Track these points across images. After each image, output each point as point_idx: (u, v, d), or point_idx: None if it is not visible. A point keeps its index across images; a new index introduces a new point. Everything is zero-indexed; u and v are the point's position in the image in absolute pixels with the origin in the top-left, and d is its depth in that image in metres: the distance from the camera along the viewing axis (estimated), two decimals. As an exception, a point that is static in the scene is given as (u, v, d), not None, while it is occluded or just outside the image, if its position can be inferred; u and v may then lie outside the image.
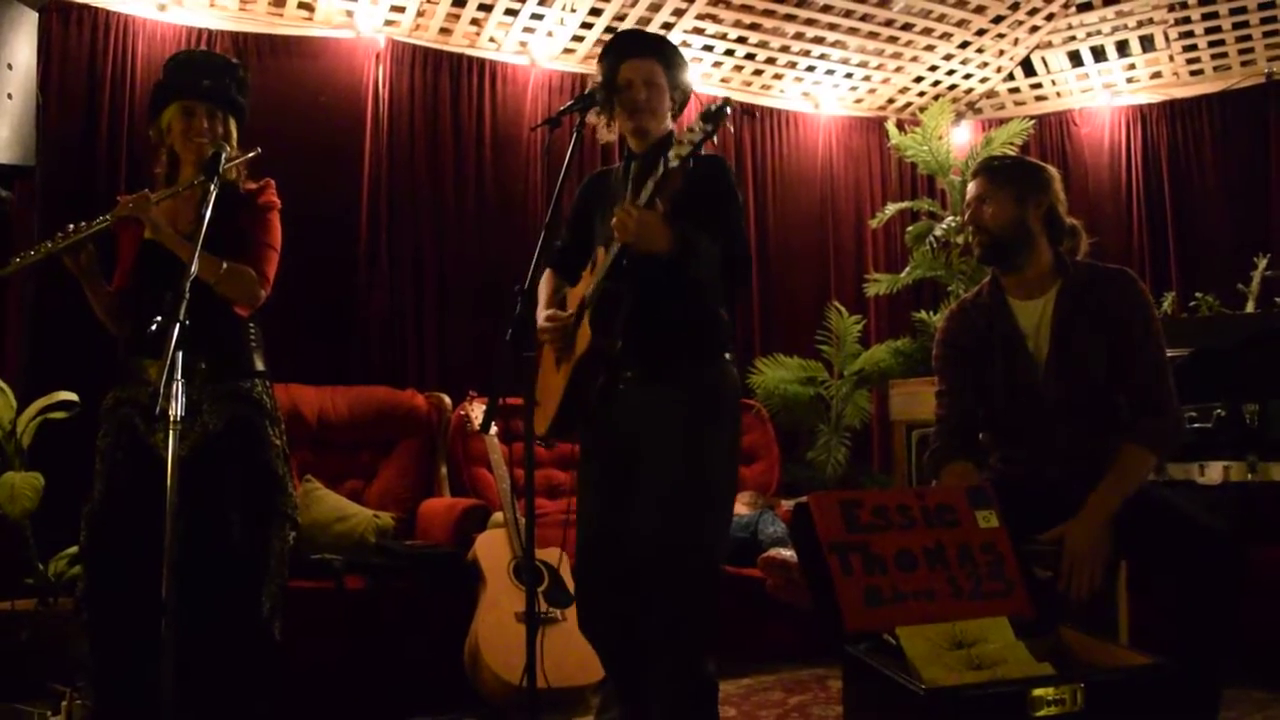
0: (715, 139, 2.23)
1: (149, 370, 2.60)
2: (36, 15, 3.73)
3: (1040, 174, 2.68)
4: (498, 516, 3.79)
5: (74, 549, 3.48)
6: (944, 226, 5.44)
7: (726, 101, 2.21)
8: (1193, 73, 5.95)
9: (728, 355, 2.57)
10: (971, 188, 2.70)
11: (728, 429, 2.55)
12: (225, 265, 2.60)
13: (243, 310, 2.70)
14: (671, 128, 2.66)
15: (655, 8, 5.04)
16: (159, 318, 2.45)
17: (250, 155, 2.76)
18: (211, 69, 2.79)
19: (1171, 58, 5.84)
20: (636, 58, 2.60)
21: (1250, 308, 4.62)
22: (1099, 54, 5.89)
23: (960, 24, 5.48)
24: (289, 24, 4.80)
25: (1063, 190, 2.69)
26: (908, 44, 5.62)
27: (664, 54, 2.64)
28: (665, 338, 2.49)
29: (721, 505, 2.55)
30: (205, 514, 2.50)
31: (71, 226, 2.59)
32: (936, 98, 6.08)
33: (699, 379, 2.51)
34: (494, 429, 3.78)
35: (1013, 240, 2.61)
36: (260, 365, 2.76)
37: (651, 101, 2.58)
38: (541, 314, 2.61)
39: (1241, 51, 5.69)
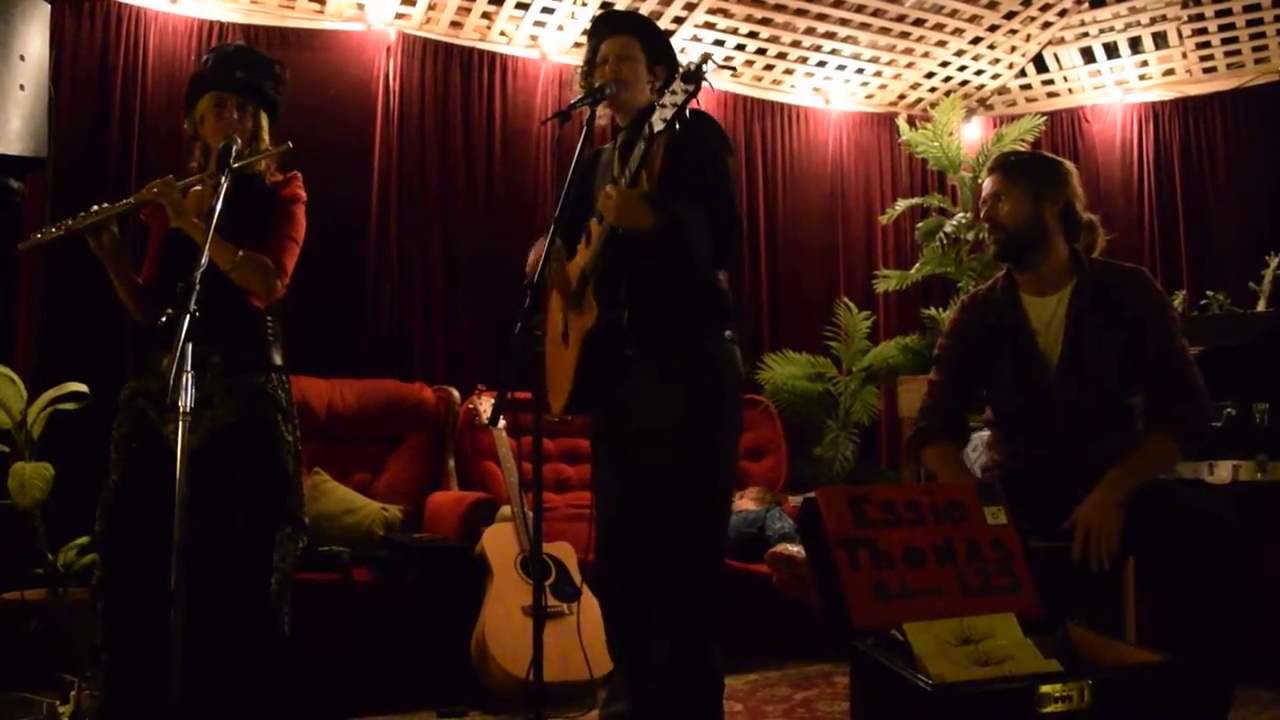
0: (698, 100, 2.23)
1: (163, 361, 2.60)
2: (49, 7, 3.74)
3: (1057, 170, 2.66)
4: (505, 510, 3.79)
5: (84, 539, 3.51)
6: (954, 223, 5.42)
7: (706, 58, 2.23)
8: (1206, 70, 5.91)
9: (728, 333, 2.56)
10: (987, 184, 2.69)
11: (729, 415, 2.55)
12: (241, 253, 2.59)
13: (259, 301, 2.70)
14: (652, 99, 2.67)
15: (666, 2, 5.04)
16: (169, 309, 2.46)
17: (280, 149, 2.76)
18: (247, 63, 2.79)
19: (1185, 55, 5.81)
20: (613, 35, 2.64)
21: (1261, 306, 4.61)
22: (1112, 50, 5.86)
23: (972, 19, 5.46)
24: (300, 17, 4.81)
25: (1080, 186, 2.67)
26: (919, 39, 5.61)
27: (641, 30, 2.68)
28: (665, 311, 2.48)
29: (724, 493, 2.57)
30: (213, 507, 2.51)
31: (95, 207, 2.60)
32: (948, 94, 6.06)
33: (700, 360, 2.50)
34: (502, 422, 3.78)
35: (1028, 238, 2.60)
36: (278, 360, 2.75)
37: (623, 73, 2.59)
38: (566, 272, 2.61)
39: (1255, 49, 5.67)
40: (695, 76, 2.21)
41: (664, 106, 2.24)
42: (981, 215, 2.72)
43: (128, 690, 2.51)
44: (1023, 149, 5.26)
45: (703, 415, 2.48)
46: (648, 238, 2.38)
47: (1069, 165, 2.69)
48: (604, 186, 2.63)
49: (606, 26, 2.69)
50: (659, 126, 2.25)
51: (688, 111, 2.37)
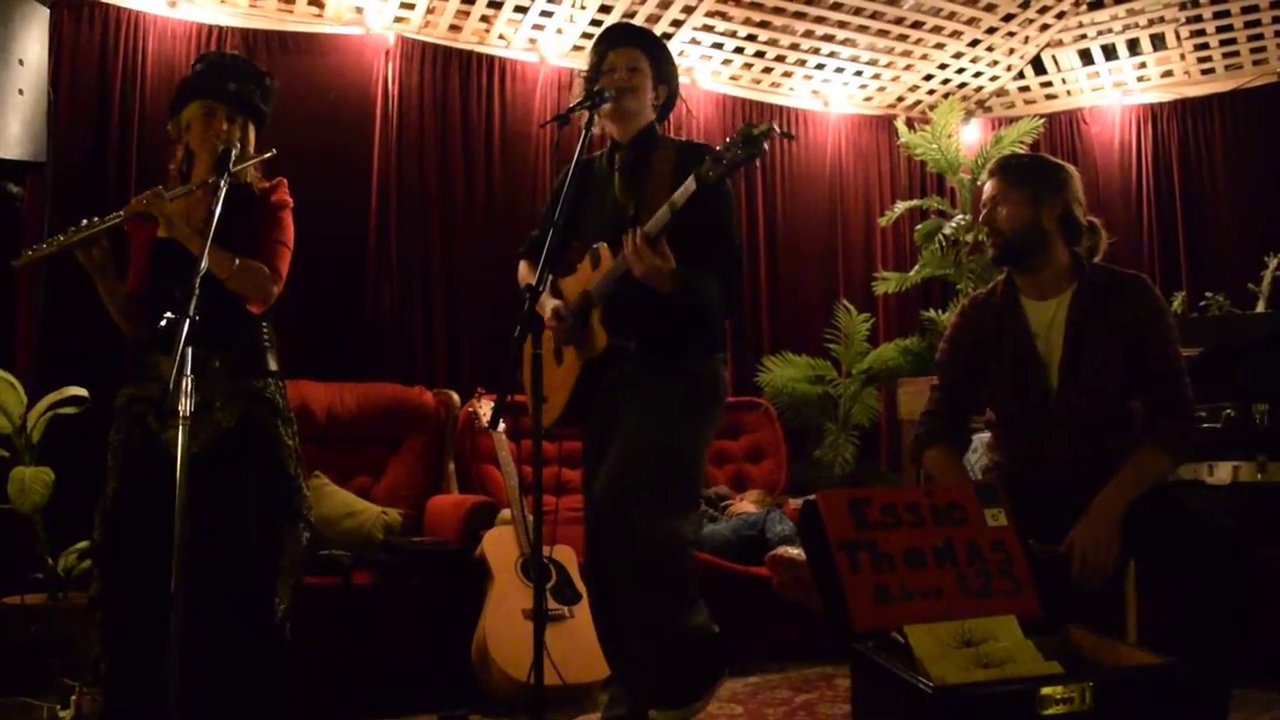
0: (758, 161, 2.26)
1: (161, 367, 2.59)
2: (48, 12, 3.75)
3: (1058, 174, 2.65)
4: (505, 513, 3.79)
5: (84, 544, 3.50)
6: (953, 225, 5.42)
7: (771, 127, 2.22)
8: (1204, 71, 5.92)
9: (720, 356, 2.65)
10: (987, 187, 2.68)
11: (705, 420, 2.62)
12: (238, 261, 2.60)
13: (255, 307, 2.70)
14: (653, 118, 2.69)
15: (665, 4, 5.04)
16: (168, 313, 2.47)
17: (265, 156, 2.77)
18: (239, 73, 2.80)
19: (1183, 56, 5.81)
20: (622, 47, 2.68)
21: (1261, 307, 4.61)
22: (1110, 52, 5.86)
23: (970, 22, 5.47)
24: (299, 21, 4.81)
25: (1081, 189, 2.67)
26: (918, 42, 5.61)
27: (649, 45, 2.71)
28: (672, 340, 2.52)
29: (685, 482, 2.58)
30: (217, 512, 2.51)
31: (85, 221, 2.60)
32: (946, 96, 6.07)
33: (692, 373, 2.58)
34: (502, 426, 3.78)
35: (1026, 243, 2.60)
36: (274, 365, 2.76)
37: (633, 83, 2.62)
38: (548, 307, 2.63)
39: (1253, 50, 5.67)
40: (757, 142, 2.21)
41: (719, 162, 2.24)
42: (980, 218, 2.71)
43: (128, 698, 2.50)
44: (1022, 151, 5.27)
45: (676, 405, 2.55)
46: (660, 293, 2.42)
47: (1070, 169, 2.68)
48: (600, 203, 2.67)
49: (617, 38, 2.72)
50: (709, 178, 2.26)
51: (695, 145, 2.41)
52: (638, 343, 2.52)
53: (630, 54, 2.65)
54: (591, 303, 2.55)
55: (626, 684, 2.67)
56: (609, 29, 2.79)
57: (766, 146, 2.24)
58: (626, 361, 2.55)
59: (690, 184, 2.30)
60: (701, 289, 2.45)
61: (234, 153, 2.51)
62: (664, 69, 2.71)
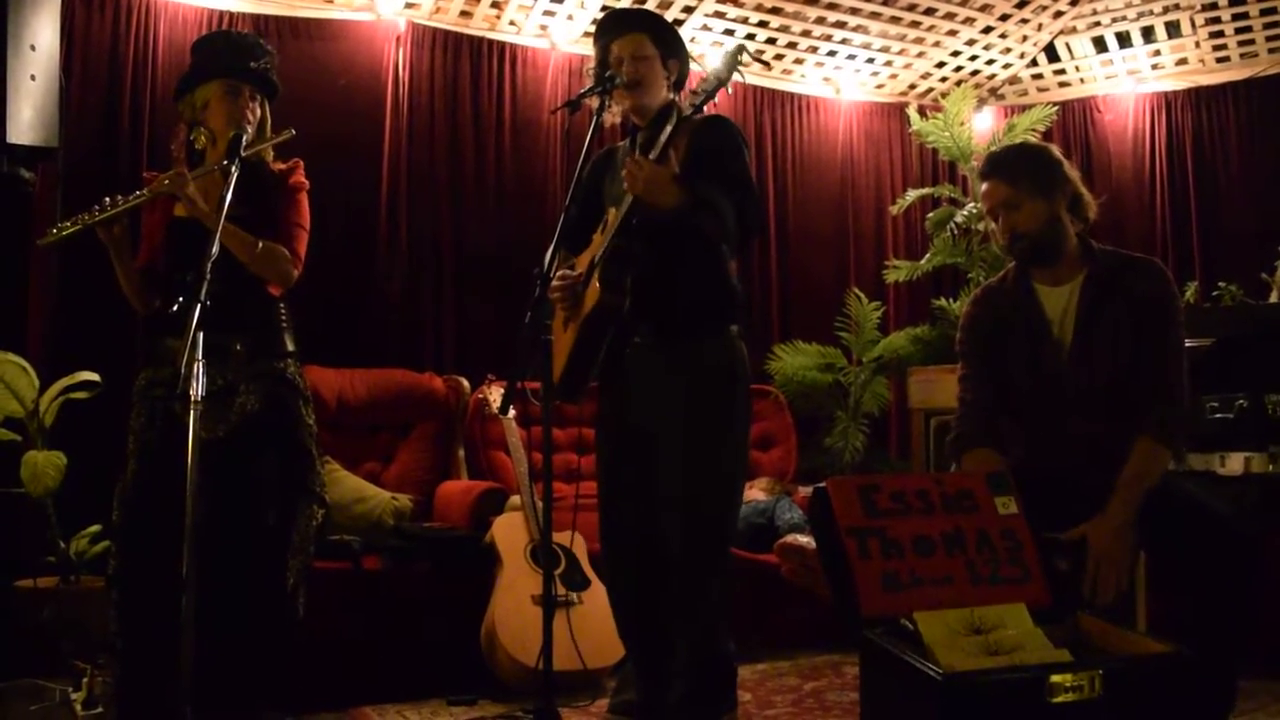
0: (728, 88, 2.32)
1: (176, 350, 2.62)
2: (59, -3, 3.75)
3: (1048, 158, 2.63)
4: (515, 500, 3.80)
5: (96, 528, 3.52)
6: (965, 213, 5.40)
7: (741, 48, 2.27)
8: (1219, 60, 5.87)
9: (734, 329, 2.57)
10: (988, 191, 2.63)
11: (738, 409, 2.57)
12: (260, 245, 2.62)
13: (275, 290, 2.72)
14: (670, 96, 2.67)
15: (676, -9, 5.03)
16: (181, 298, 2.48)
17: (284, 136, 2.77)
18: (255, 52, 2.80)
19: (1198, 44, 5.77)
20: (623, 35, 2.64)
21: (1274, 298, 4.58)
22: (1124, 40, 5.82)
23: (983, 8, 5.44)
24: (309, 6, 4.80)
25: (1072, 166, 2.65)
26: (930, 29, 5.58)
27: (650, 26, 2.68)
28: (674, 303, 2.49)
29: (733, 487, 2.58)
30: (241, 492, 2.54)
31: (108, 200, 2.61)
32: (959, 83, 6.03)
33: (707, 355, 2.52)
34: (512, 412, 3.79)
35: (1050, 237, 2.57)
36: (291, 345, 2.78)
37: (641, 74, 2.59)
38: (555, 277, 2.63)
39: (1269, 39, 5.62)
40: (729, 64, 2.23)
41: (695, 94, 2.27)
42: (997, 224, 2.63)
43: (142, 675, 2.53)
44: (1034, 139, 5.22)
45: (708, 412, 2.49)
46: (669, 216, 2.37)
47: (1053, 148, 2.67)
48: (621, 183, 2.65)
49: (615, 26, 2.69)
50: (687, 111, 2.28)
51: (705, 112, 2.40)
52: (634, 305, 2.49)
53: (634, 41, 2.61)
54: (594, 264, 2.55)
55: (645, 704, 2.67)
56: (606, 17, 2.75)
57: (740, 74, 2.32)
58: (626, 329, 2.52)
59: (673, 117, 2.33)
60: (709, 197, 2.37)
61: (244, 138, 2.52)
62: (672, 45, 2.68)
